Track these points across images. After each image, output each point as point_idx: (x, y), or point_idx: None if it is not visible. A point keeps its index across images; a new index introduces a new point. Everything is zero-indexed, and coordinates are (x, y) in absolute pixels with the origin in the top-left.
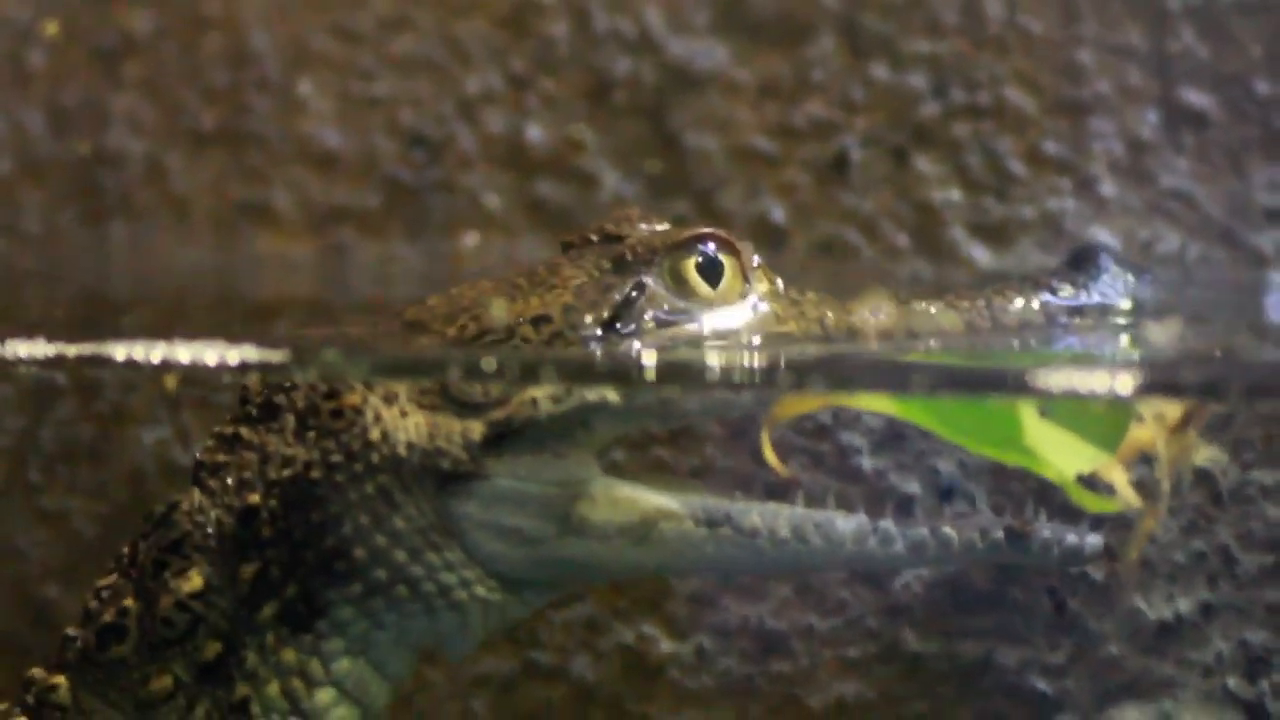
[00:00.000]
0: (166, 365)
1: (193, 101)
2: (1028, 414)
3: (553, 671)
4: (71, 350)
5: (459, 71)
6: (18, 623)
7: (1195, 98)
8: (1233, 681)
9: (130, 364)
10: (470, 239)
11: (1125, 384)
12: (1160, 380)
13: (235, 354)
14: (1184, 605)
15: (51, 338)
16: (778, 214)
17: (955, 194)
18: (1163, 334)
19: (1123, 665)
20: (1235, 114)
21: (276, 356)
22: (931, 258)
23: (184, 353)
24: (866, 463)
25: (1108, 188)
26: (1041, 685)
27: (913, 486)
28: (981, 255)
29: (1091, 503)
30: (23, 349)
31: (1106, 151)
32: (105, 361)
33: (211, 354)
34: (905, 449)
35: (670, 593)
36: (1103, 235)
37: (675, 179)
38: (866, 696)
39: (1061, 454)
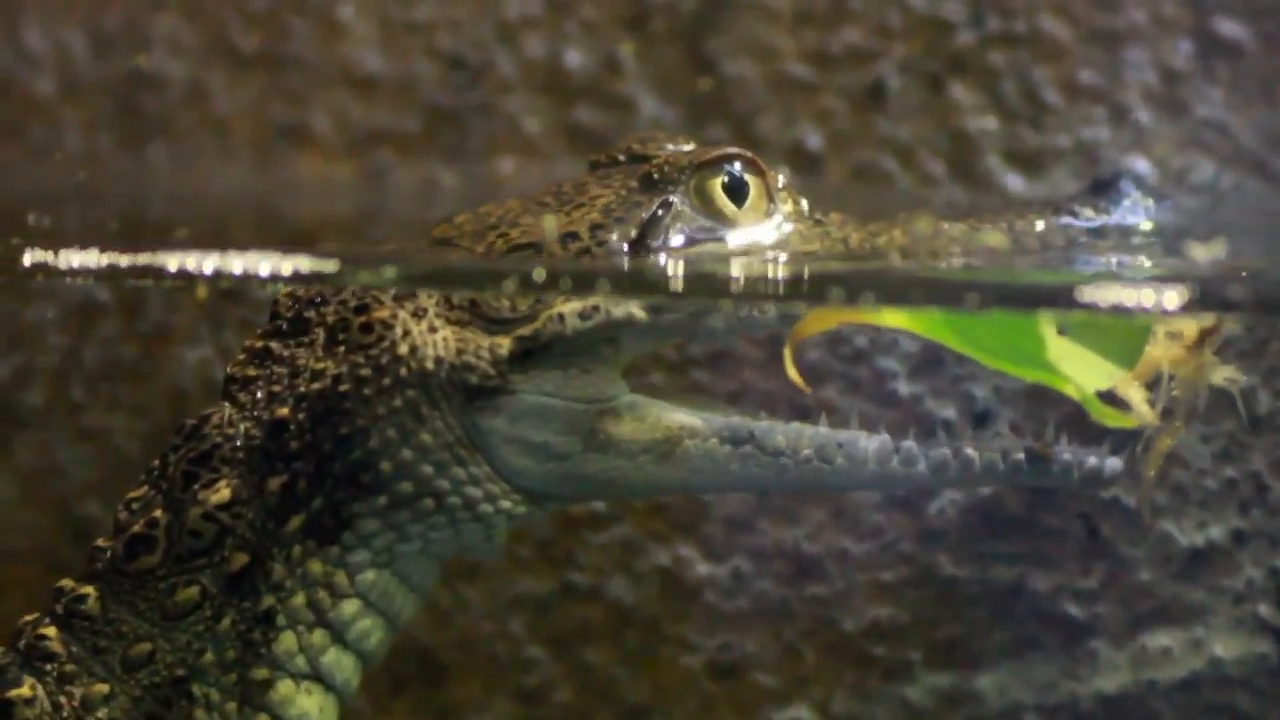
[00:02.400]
0: (219, 275)
1: (233, 24)
2: (1047, 331)
3: (590, 592)
4: (124, 260)
5: None
6: (59, 539)
7: (1229, 28)
8: (1264, 608)
9: (182, 274)
10: (508, 163)
11: (1172, 300)
12: (1208, 297)
13: (288, 265)
14: (1216, 532)
15: (104, 249)
16: (814, 141)
17: (991, 122)
18: (1206, 253)
19: (1154, 591)
20: (1269, 44)
21: (328, 267)
22: (966, 186)
23: (236, 263)
24: (903, 388)
25: (1142, 117)
26: (1073, 610)
27: (949, 412)
28: (1016, 183)
29: (1112, 418)
30: (75, 259)
31: (1141, 81)
32: (158, 272)
33: (265, 265)
34: (942, 374)
35: (707, 515)
36: (1138, 164)
37: (713, 105)
38: (900, 620)
39: (1080, 370)
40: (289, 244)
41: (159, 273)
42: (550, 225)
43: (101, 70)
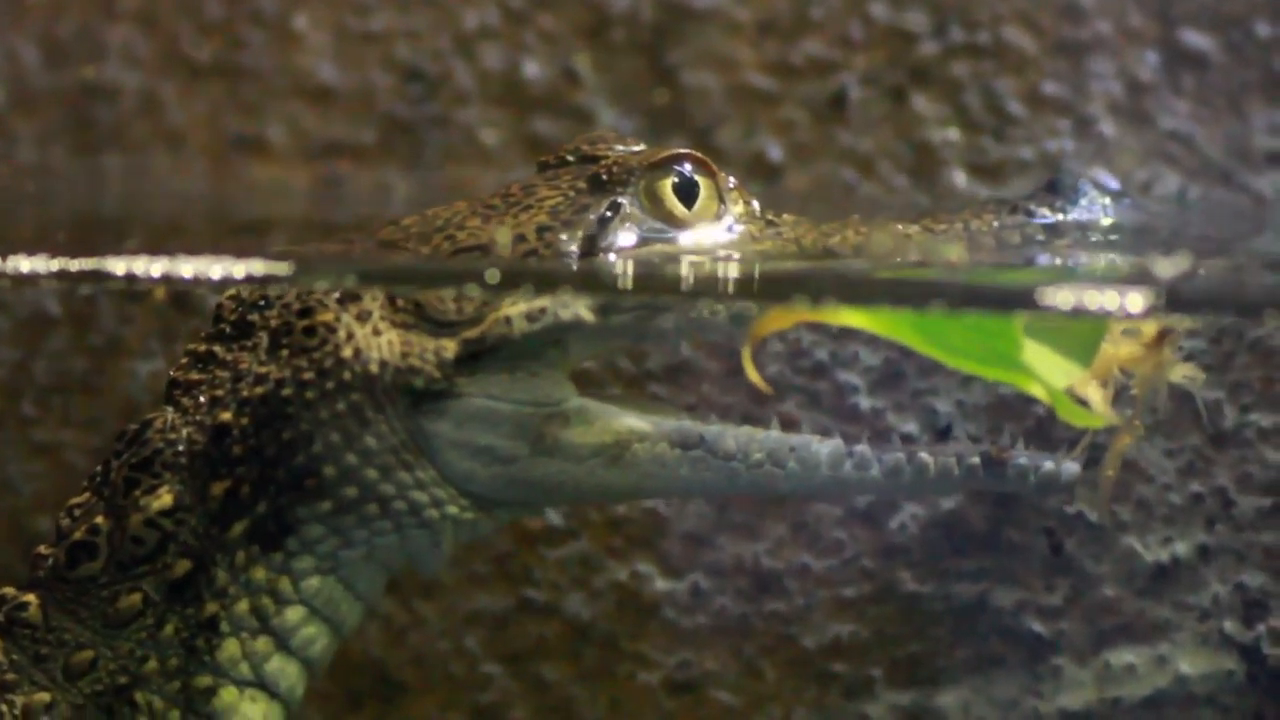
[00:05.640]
0: (168, 279)
1: (188, 34)
2: (1021, 331)
3: (547, 609)
4: (74, 265)
5: (456, 6)
6: (10, 555)
7: (1196, 39)
8: (1229, 624)
9: (131, 278)
10: (466, 174)
11: (1135, 302)
12: (1172, 298)
13: (241, 268)
14: (1181, 548)
15: (54, 254)
16: (775, 152)
17: (953, 134)
18: (1171, 266)
19: (1119, 608)
20: (1235, 56)
21: (280, 270)
22: (929, 197)
23: (186, 267)
24: (864, 402)
25: (1107, 129)
26: (1037, 627)
27: (910, 426)
28: (979, 195)
29: (1079, 418)
30: (24, 264)
31: (1106, 92)
32: (107, 276)
33: (216, 268)
34: (903, 388)
35: (665, 530)
36: (1102, 177)
37: (673, 116)
38: (861, 636)
39: (1043, 369)
40: (240, 244)
41: (107, 277)
42: (499, 232)
43: (54, 80)
